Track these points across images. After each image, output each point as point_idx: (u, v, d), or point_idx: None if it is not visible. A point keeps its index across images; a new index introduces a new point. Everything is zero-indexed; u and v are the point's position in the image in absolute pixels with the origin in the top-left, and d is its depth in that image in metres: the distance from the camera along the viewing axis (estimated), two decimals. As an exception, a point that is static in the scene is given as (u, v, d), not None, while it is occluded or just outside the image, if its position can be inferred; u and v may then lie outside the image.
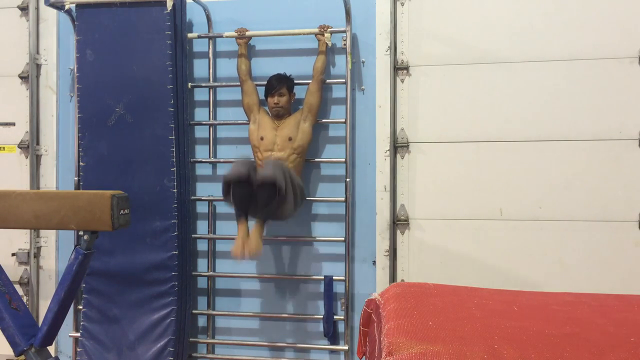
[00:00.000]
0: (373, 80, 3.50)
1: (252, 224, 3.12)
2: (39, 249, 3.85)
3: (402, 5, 3.49)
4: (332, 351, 3.57)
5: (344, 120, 3.45)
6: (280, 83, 3.33)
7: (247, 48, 3.53)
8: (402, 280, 3.47)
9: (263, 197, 2.90)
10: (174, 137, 3.40)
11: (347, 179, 3.43)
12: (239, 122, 3.58)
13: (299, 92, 3.43)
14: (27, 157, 3.83)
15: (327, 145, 3.56)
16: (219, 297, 3.70)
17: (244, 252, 3.03)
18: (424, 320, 1.98)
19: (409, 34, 3.48)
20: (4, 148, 3.87)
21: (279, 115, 3.36)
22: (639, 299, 2.38)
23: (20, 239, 3.82)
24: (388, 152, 3.46)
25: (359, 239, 3.53)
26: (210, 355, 3.68)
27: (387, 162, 3.46)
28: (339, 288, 3.50)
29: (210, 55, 3.64)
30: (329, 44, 3.38)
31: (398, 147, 3.49)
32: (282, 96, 3.32)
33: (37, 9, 3.81)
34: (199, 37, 3.62)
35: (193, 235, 3.63)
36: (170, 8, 3.34)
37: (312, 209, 3.57)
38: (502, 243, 3.40)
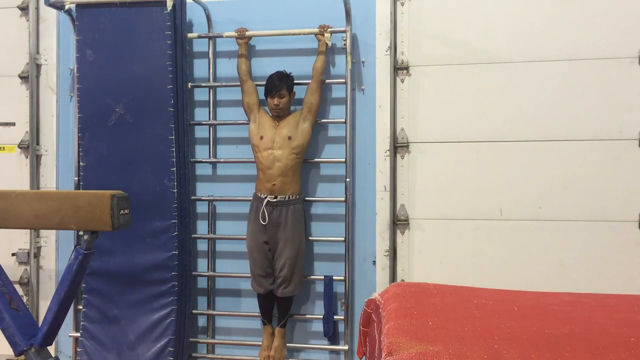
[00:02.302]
0: (373, 80, 3.50)
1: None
2: (39, 249, 3.85)
3: (402, 5, 3.49)
4: (332, 351, 3.57)
5: (344, 120, 3.45)
6: (281, 82, 3.33)
7: (247, 48, 3.53)
8: (402, 280, 3.47)
9: (283, 305, 3.44)
10: (174, 137, 3.40)
11: (347, 179, 3.43)
12: (239, 122, 3.58)
13: (299, 92, 3.43)
14: (27, 157, 3.83)
15: (327, 145, 3.56)
16: (219, 297, 3.70)
17: (269, 358, 3.43)
18: (424, 320, 1.98)
19: (409, 34, 3.48)
20: (4, 148, 3.87)
21: (279, 116, 3.37)
22: (639, 299, 2.38)
23: (20, 239, 3.82)
24: (388, 152, 3.46)
25: (359, 239, 3.53)
26: (210, 355, 3.68)
27: (387, 162, 3.46)
28: (339, 288, 3.50)
29: (210, 55, 3.64)
30: (329, 44, 3.38)
31: (398, 147, 3.49)
32: (282, 97, 3.33)
33: (37, 9, 3.81)
34: (199, 37, 3.62)
35: (193, 235, 3.63)
36: (170, 8, 3.34)
37: (312, 209, 3.57)
38: (502, 243, 3.40)
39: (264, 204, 3.30)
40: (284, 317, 3.44)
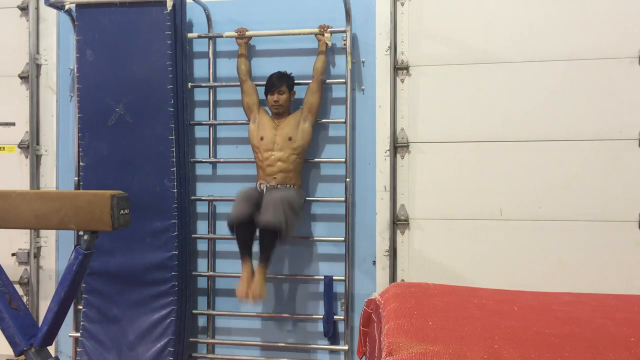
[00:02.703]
0: (373, 80, 3.50)
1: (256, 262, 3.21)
2: (39, 249, 3.85)
3: (402, 5, 3.49)
4: (332, 351, 3.57)
5: (344, 120, 3.45)
6: (281, 81, 3.33)
7: (247, 48, 3.53)
8: (402, 280, 3.47)
9: (265, 241, 3.10)
10: (174, 137, 3.40)
11: (347, 179, 3.43)
12: (239, 122, 3.58)
13: (299, 92, 3.44)
14: (27, 157, 3.83)
15: (327, 145, 3.56)
16: (219, 297, 3.70)
17: (248, 295, 3.12)
18: (424, 320, 1.98)
19: (409, 34, 3.48)
20: (4, 148, 3.87)
21: (278, 114, 3.37)
22: (639, 299, 2.38)
23: (20, 239, 3.82)
24: (388, 152, 3.46)
25: (359, 239, 3.53)
26: (210, 355, 3.68)
27: (387, 162, 3.46)
28: (339, 288, 3.50)
29: (210, 55, 3.64)
30: (329, 44, 3.38)
31: (398, 147, 3.49)
32: (281, 94, 3.32)
33: (37, 9, 3.81)
34: (199, 37, 3.62)
35: (193, 235, 3.63)
36: (170, 8, 3.34)
37: (312, 209, 3.57)
38: (502, 243, 3.40)
39: (265, 185, 3.30)
40: (267, 252, 3.12)
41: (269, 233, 3.07)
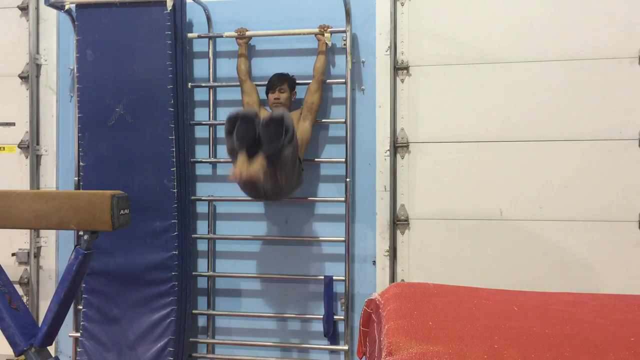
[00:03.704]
0: (373, 80, 3.50)
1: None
2: (39, 249, 3.85)
3: (402, 5, 3.49)
4: (332, 351, 3.57)
5: (344, 120, 3.45)
6: (282, 80, 3.34)
7: (247, 48, 3.53)
8: (402, 280, 3.47)
9: (270, 133, 2.73)
10: (174, 137, 3.40)
11: (347, 179, 3.43)
12: (239, 122, 3.57)
13: (300, 92, 3.44)
14: (27, 157, 3.83)
15: (327, 145, 3.56)
16: (219, 297, 3.70)
17: (242, 173, 2.75)
18: (424, 320, 1.98)
19: (409, 34, 3.48)
20: (4, 148, 3.87)
21: (279, 112, 3.35)
22: (639, 299, 2.38)
23: (20, 239, 3.82)
24: (388, 152, 3.46)
25: (359, 239, 3.53)
26: (210, 355, 3.68)
27: (387, 162, 3.46)
28: (339, 288, 3.50)
29: (210, 55, 3.64)
30: (329, 44, 3.38)
31: (398, 147, 3.49)
32: (282, 92, 3.32)
33: (37, 9, 3.81)
34: (199, 37, 3.62)
35: (193, 235, 3.63)
36: (170, 8, 3.34)
37: (312, 209, 3.57)
38: (502, 243, 3.40)
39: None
40: (269, 145, 2.75)
41: (274, 126, 2.73)
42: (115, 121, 3.46)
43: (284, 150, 2.79)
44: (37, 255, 3.84)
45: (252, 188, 2.95)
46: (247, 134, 2.75)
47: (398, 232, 3.50)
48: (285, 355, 3.60)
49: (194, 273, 3.63)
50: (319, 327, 3.53)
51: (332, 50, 3.50)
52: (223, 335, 3.70)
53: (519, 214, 3.39)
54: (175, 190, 3.40)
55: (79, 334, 3.57)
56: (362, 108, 3.52)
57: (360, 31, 3.50)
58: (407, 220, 3.49)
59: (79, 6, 3.49)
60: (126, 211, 2.49)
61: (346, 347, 3.47)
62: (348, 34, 3.40)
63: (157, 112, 3.41)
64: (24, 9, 3.83)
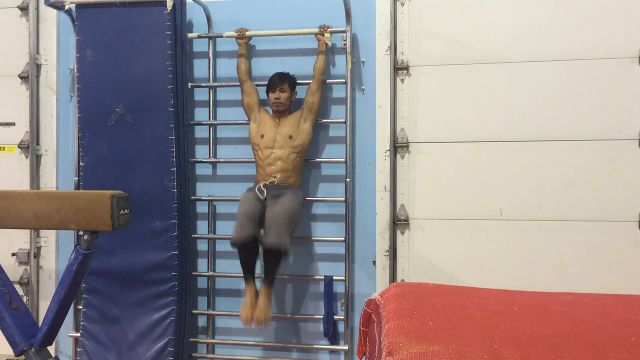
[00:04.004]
0: (373, 80, 3.50)
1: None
2: (39, 249, 3.85)
3: (402, 5, 3.49)
4: (332, 351, 3.57)
5: (344, 120, 3.45)
6: (283, 79, 3.34)
7: (247, 48, 3.53)
8: (402, 280, 3.47)
9: (270, 262, 3.10)
10: (174, 137, 3.40)
11: (347, 179, 3.43)
12: (239, 122, 3.58)
13: (300, 92, 3.44)
14: (27, 157, 3.83)
15: (327, 145, 3.56)
16: (219, 297, 3.70)
17: (252, 319, 3.11)
18: (424, 320, 1.98)
19: (409, 34, 3.48)
20: (4, 148, 3.87)
21: (279, 112, 3.37)
22: (639, 299, 2.38)
23: (20, 239, 3.82)
24: (388, 152, 3.46)
25: (359, 239, 3.53)
26: (210, 355, 3.68)
27: (387, 162, 3.46)
28: (339, 288, 3.50)
29: (210, 55, 3.64)
30: (329, 44, 3.38)
31: (398, 147, 3.49)
32: (283, 92, 3.33)
33: (37, 9, 3.81)
34: (199, 37, 3.62)
35: (193, 235, 3.63)
36: (170, 8, 3.34)
37: (312, 209, 3.57)
38: (502, 243, 3.40)
39: (263, 185, 3.26)
40: (271, 274, 3.13)
41: (274, 254, 3.08)
42: (115, 121, 3.46)
43: (285, 259, 3.13)
44: (37, 255, 3.84)
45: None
46: (248, 261, 3.16)
47: (398, 232, 3.50)
48: (285, 355, 3.60)
49: (194, 273, 3.63)
50: (319, 327, 3.53)
51: (332, 50, 3.50)
52: (223, 335, 3.70)
53: (519, 214, 3.39)
54: (175, 190, 3.40)
55: (79, 334, 3.57)
56: (362, 108, 3.52)
57: (360, 31, 3.50)
58: (407, 220, 3.49)
59: (79, 6, 3.49)
60: (126, 211, 2.49)
61: (346, 347, 3.48)
62: (348, 34, 3.40)
63: (157, 112, 3.41)
64: (24, 9, 3.83)
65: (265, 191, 3.24)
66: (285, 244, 3.05)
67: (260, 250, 3.16)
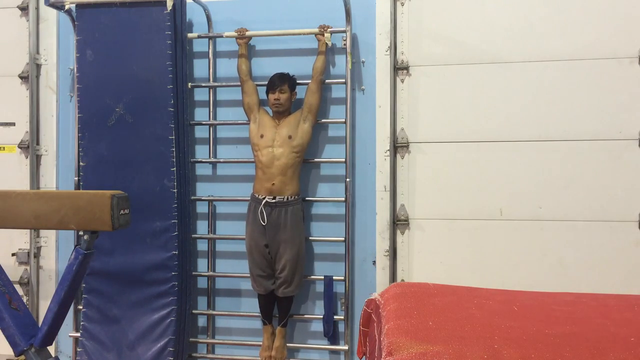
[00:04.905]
0: (373, 80, 3.50)
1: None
2: (39, 249, 3.85)
3: (402, 5, 3.49)
4: (332, 351, 3.57)
5: (344, 120, 3.45)
6: (283, 80, 3.34)
7: (247, 48, 3.53)
8: (402, 280, 3.47)
9: (284, 306, 3.44)
10: (174, 137, 3.40)
11: (347, 179, 3.43)
12: (239, 122, 3.58)
13: (299, 92, 3.44)
14: (27, 157, 3.83)
15: (327, 145, 3.56)
16: (219, 297, 3.70)
17: (270, 358, 3.44)
18: (424, 320, 1.98)
19: (409, 34, 3.48)
20: (4, 148, 3.87)
21: (278, 112, 3.37)
22: (639, 299, 2.38)
23: (20, 239, 3.82)
24: (388, 152, 3.46)
25: (359, 239, 3.53)
26: (210, 355, 3.68)
27: (387, 162, 3.46)
28: (339, 288, 3.50)
29: (210, 55, 3.64)
30: (329, 44, 3.38)
31: (398, 147, 3.49)
32: (282, 93, 3.33)
33: (37, 9, 3.81)
34: (199, 37, 3.62)
35: (193, 235, 3.63)
36: (170, 8, 3.34)
37: (312, 209, 3.57)
38: (502, 243, 3.40)
39: (262, 204, 3.30)
40: (285, 316, 3.44)
41: (287, 300, 3.43)
42: (115, 121, 3.46)
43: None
44: (37, 255, 3.84)
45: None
46: (268, 307, 3.46)
47: (398, 232, 3.50)
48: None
49: (194, 273, 3.63)
50: (319, 327, 3.53)
51: (332, 50, 3.50)
52: (223, 335, 3.70)
53: (519, 214, 3.39)
54: (175, 190, 3.40)
55: (79, 334, 3.57)
56: (362, 108, 3.52)
57: (360, 31, 3.50)
58: (407, 220, 3.49)
59: (79, 6, 3.49)
60: (126, 211, 2.49)
61: (346, 347, 3.48)
62: (348, 34, 3.40)
63: (157, 112, 3.41)
64: (24, 9, 3.83)
65: (265, 213, 3.29)
66: (297, 289, 3.40)
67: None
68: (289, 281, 3.34)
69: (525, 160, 3.38)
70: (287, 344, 3.51)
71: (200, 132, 3.68)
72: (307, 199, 3.51)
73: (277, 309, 3.47)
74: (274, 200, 3.30)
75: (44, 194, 2.75)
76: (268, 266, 3.38)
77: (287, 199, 3.31)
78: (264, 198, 3.30)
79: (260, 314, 3.49)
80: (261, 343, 3.49)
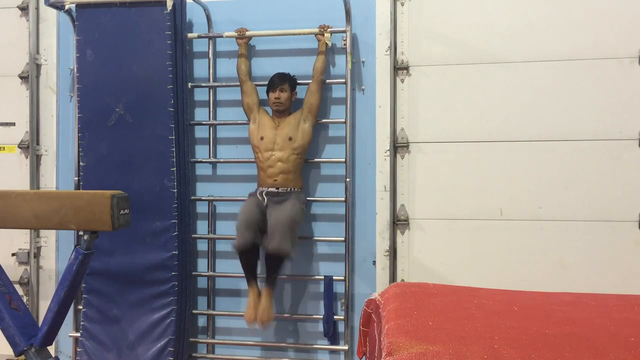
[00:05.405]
0: (373, 80, 3.50)
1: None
2: (39, 249, 3.85)
3: (402, 5, 3.49)
4: (332, 351, 3.57)
5: (344, 120, 3.45)
6: (283, 79, 3.34)
7: (247, 48, 3.53)
8: (402, 280, 3.47)
9: (272, 265, 3.19)
10: (174, 137, 3.40)
11: (347, 179, 3.43)
12: (239, 122, 3.58)
13: (300, 92, 3.44)
14: (27, 157, 3.83)
15: (327, 145, 3.56)
16: (219, 297, 3.70)
17: (256, 319, 3.20)
18: (424, 320, 1.98)
19: (409, 34, 3.48)
20: (4, 148, 3.87)
21: (279, 112, 3.37)
22: (639, 299, 2.38)
23: (20, 239, 3.82)
24: (388, 152, 3.46)
25: (359, 239, 3.53)
26: (210, 355, 3.68)
27: (387, 162, 3.46)
28: (339, 288, 3.50)
29: (210, 55, 3.64)
30: (329, 44, 3.38)
31: (398, 147, 3.49)
32: (283, 92, 3.33)
33: (37, 9, 3.81)
34: (199, 37, 3.62)
35: (193, 235, 3.63)
36: (170, 8, 3.34)
37: (312, 209, 3.57)
38: (502, 243, 3.40)
39: (265, 192, 3.30)
40: (273, 275, 3.22)
41: (275, 258, 3.17)
42: (115, 121, 3.46)
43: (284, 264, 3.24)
44: (37, 255, 3.84)
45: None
46: (250, 265, 3.24)
47: (398, 232, 3.50)
48: (285, 355, 3.60)
49: (194, 273, 3.63)
50: (319, 327, 3.53)
51: (332, 50, 3.50)
52: (223, 335, 3.70)
53: (519, 214, 3.39)
54: (175, 190, 3.40)
55: (79, 334, 3.57)
56: (362, 108, 3.52)
57: (360, 31, 3.50)
58: (407, 220, 3.49)
59: (79, 6, 3.49)
60: (126, 211, 2.49)
61: (346, 347, 3.47)
62: (348, 34, 3.40)
63: (157, 112, 3.41)
64: (24, 9, 3.83)
65: (266, 198, 3.28)
66: (287, 249, 3.13)
67: (263, 252, 3.23)
68: (281, 235, 3.11)
69: (525, 160, 3.38)
70: (288, 344, 3.51)
71: (200, 132, 3.68)
72: (307, 199, 3.51)
73: (266, 267, 3.23)
74: (276, 190, 3.30)
75: (44, 194, 2.75)
76: (256, 220, 3.21)
77: (290, 190, 3.31)
78: (267, 188, 3.30)
79: (244, 274, 3.28)
80: (261, 343, 3.49)
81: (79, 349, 3.57)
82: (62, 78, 3.84)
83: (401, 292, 2.37)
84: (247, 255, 3.23)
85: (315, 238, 3.55)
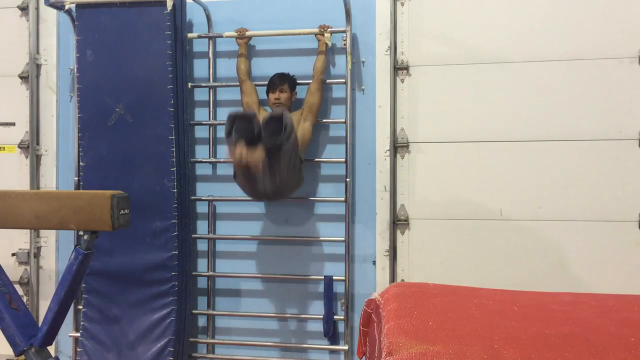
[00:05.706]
0: (373, 80, 3.50)
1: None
2: (39, 249, 3.85)
3: (402, 5, 3.49)
4: (332, 351, 3.57)
5: (344, 120, 3.45)
6: (283, 80, 3.34)
7: (247, 48, 3.53)
8: (402, 280, 3.47)
9: (270, 129, 2.75)
10: (174, 137, 3.40)
11: (347, 179, 3.43)
12: (239, 122, 3.57)
13: (300, 92, 3.44)
14: (27, 157, 3.83)
15: (327, 145, 3.56)
16: (219, 297, 3.70)
17: (243, 158, 2.73)
18: (424, 320, 1.98)
19: (409, 34, 3.48)
20: (4, 148, 3.87)
21: (279, 111, 3.34)
22: (639, 299, 2.38)
23: (20, 239, 3.82)
24: (388, 152, 3.46)
25: (359, 239, 3.53)
26: (210, 355, 3.68)
27: (387, 162, 3.46)
28: (339, 288, 3.50)
29: (210, 55, 3.64)
30: (329, 44, 3.38)
31: (398, 147, 3.49)
32: (283, 92, 3.32)
33: (37, 9, 3.81)
34: (199, 37, 3.62)
35: (193, 235, 3.63)
36: (170, 8, 3.34)
37: (312, 209, 3.57)
38: (502, 243, 3.40)
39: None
40: (267, 140, 2.76)
41: (274, 123, 2.77)
42: (115, 121, 3.46)
43: (283, 145, 2.80)
44: (37, 255, 3.84)
45: (251, 185, 2.97)
46: (246, 131, 2.76)
47: (398, 232, 3.50)
48: (285, 355, 3.60)
49: (194, 273, 3.63)
50: (319, 327, 3.53)
51: (332, 50, 3.50)
52: (223, 335, 3.70)
53: (519, 214, 3.39)
54: (175, 190, 3.40)
55: (79, 334, 3.57)
56: (362, 108, 3.52)
57: (360, 31, 3.50)
58: (407, 220, 3.49)
59: (79, 6, 3.49)
60: (126, 211, 2.49)
61: (346, 347, 3.47)
62: (348, 34, 3.40)
63: (157, 112, 3.41)
64: (24, 9, 3.83)
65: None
66: (288, 116, 2.81)
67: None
68: (282, 110, 2.85)
69: (525, 160, 3.38)
70: (288, 344, 3.51)
71: (200, 132, 3.68)
72: (307, 199, 3.51)
73: (263, 135, 2.79)
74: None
75: (44, 194, 2.75)
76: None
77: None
78: None
79: (234, 137, 2.77)
80: (261, 343, 3.49)
81: (79, 349, 3.57)
82: (62, 78, 3.84)
83: (401, 292, 2.36)
84: (245, 120, 2.80)
85: (315, 238, 3.55)
